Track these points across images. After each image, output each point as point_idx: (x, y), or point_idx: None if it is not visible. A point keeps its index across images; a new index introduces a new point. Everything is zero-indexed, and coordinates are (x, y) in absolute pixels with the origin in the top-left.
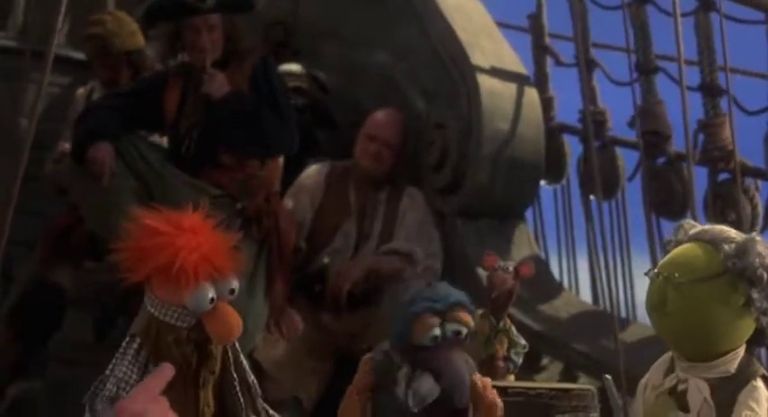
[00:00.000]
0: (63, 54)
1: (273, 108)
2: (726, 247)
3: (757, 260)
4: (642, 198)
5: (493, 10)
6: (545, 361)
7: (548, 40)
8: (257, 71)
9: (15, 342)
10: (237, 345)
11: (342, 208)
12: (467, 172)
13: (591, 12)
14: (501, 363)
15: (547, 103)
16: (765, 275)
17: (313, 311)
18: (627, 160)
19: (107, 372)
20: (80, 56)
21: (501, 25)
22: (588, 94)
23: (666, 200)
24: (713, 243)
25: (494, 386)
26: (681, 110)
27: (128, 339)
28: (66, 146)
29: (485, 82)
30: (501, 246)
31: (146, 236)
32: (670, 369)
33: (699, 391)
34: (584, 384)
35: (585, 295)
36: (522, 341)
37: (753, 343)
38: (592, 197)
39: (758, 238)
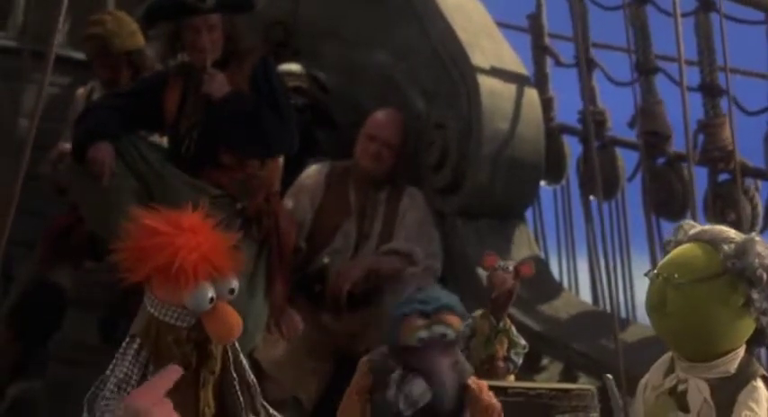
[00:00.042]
0: (63, 54)
1: (273, 108)
2: (725, 247)
3: (757, 260)
4: (642, 198)
5: (493, 10)
6: (545, 361)
7: (547, 41)
8: (257, 71)
9: (15, 342)
10: (237, 345)
11: (342, 208)
12: (467, 172)
13: (591, 12)
14: (501, 363)
15: (546, 104)
16: (765, 275)
17: (313, 311)
18: (627, 160)
19: (107, 372)
20: (80, 56)
21: (501, 25)
22: (588, 95)
23: (666, 201)
24: (713, 243)
25: (494, 387)
26: (681, 110)
27: (128, 339)
28: (66, 146)
29: (485, 82)
30: (501, 246)
31: (145, 236)
32: (670, 370)
33: (699, 391)
34: (584, 384)
35: (585, 295)
36: (522, 342)
37: (753, 343)
38: (592, 197)
39: (758, 238)
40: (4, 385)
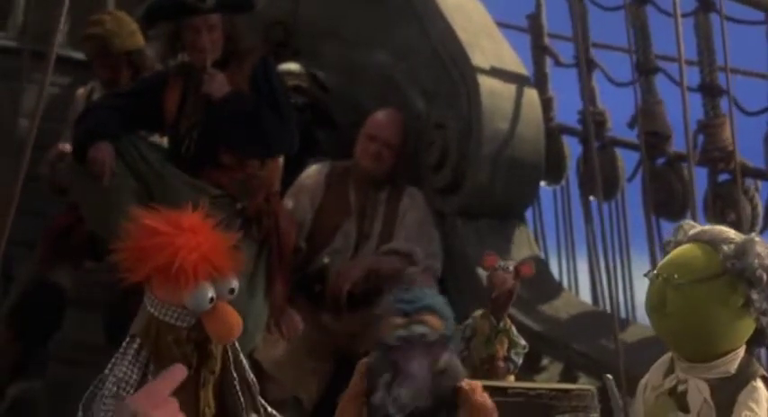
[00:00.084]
0: (63, 54)
1: (274, 108)
2: (725, 248)
3: (756, 260)
4: (642, 198)
5: (493, 10)
6: (545, 362)
7: (547, 41)
8: (257, 71)
9: (15, 342)
10: (237, 345)
11: (342, 208)
12: (467, 172)
13: (591, 12)
14: (501, 363)
15: (546, 104)
16: (765, 276)
17: (313, 311)
18: (627, 160)
19: (106, 372)
20: (80, 56)
21: (501, 25)
22: (588, 95)
23: (666, 201)
24: (712, 243)
25: (494, 387)
26: (681, 110)
27: (128, 339)
28: (64, 146)
29: (485, 82)
30: (501, 246)
31: (145, 236)
32: (670, 370)
33: (699, 391)
34: (584, 384)
35: (585, 295)
36: (523, 342)
37: (752, 344)
38: (592, 197)
39: (757, 239)
40: (4, 385)
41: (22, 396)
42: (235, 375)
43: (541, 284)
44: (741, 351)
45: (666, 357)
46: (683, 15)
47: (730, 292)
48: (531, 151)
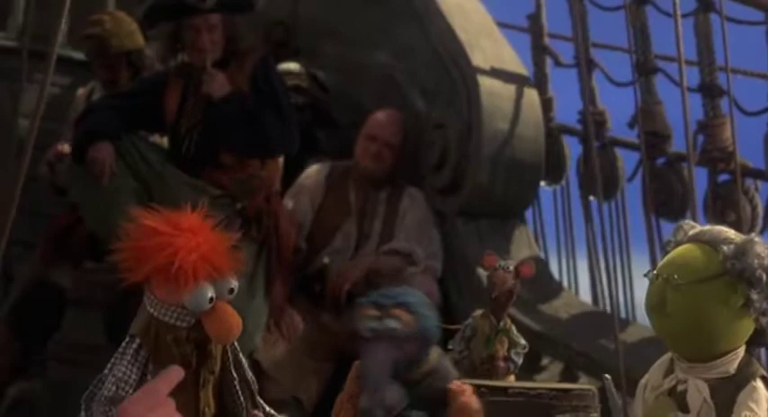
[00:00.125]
0: (64, 54)
1: (274, 108)
2: (725, 248)
3: (756, 261)
4: (642, 198)
5: (493, 10)
6: (545, 361)
7: (547, 41)
8: (257, 71)
9: (15, 342)
10: (237, 345)
11: (342, 208)
12: (467, 172)
13: (590, 12)
14: (501, 363)
15: (546, 104)
16: (764, 276)
17: (313, 311)
18: (626, 160)
19: (105, 371)
20: (80, 56)
21: (501, 25)
22: (588, 95)
23: (666, 201)
24: (712, 244)
25: (494, 387)
26: (681, 110)
27: (127, 339)
28: (63, 146)
29: (485, 82)
30: (501, 246)
31: (144, 237)
32: (669, 370)
33: (698, 391)
34: (584, 384)
35: (585, 295)
36: (523, 341)
37: (752, 344)
38: (591, 197)
39: (757, 239)
40: (4, 385)
41: (21, 396)
42: (234, 375)
43: (541, 284)
44: (741, 351)
45: (666, 357)
46: (683, 15)
47: (730, 292)
48: (531, 151)
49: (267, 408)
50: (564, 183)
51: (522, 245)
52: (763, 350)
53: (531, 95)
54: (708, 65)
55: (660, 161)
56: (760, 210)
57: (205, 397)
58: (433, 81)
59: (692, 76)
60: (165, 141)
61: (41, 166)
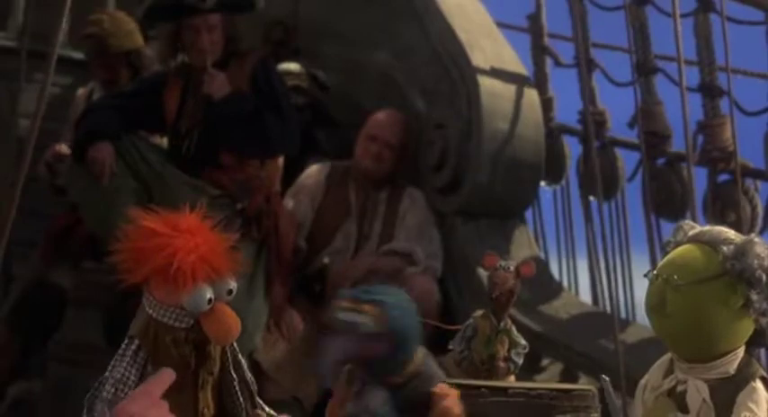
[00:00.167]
0: (64, 54)
1: (274, 108)
2: (725, 249)
3: (756, 261)
4: (642, 198)
5: (493, 10)
6: (545, 362)
7: (547, 41)
8: (257, 71)
9: (15, 342)
10: (236, 345)
11: (342, 208)
12: (467, 172)
13: (590, 12)
14: (502, 363)
15: (546, 104)
16: (764, 276)
17: (313, 311)
18: (626, 160)
19: (106, 374)
20: (80, 56)
21: (501, 25)
22: (588, 95)
23: (666, 201)
24: (712, 244)
25: (494, 387)
26: (680, 110)
27: (126, 340)
28: (61, 147)
29: (485, 82)
30: (501, 246)
31: (143, 238)
32: (669, 370)
33: (698, 392)
34: (584, 384)
35: (585, 295)
36: (523, 342)
37: (752, 344)
38: (591, 197)
39: (757, 240)
40: (4, 385)
41: (21, 396)
42: (234, 375)
43: (541, 284)
44: (740, 352)
45: (666, 357)
46: (683, 15)
47: (730, 293)
48: (531, 151)
49: (267, 408)
50: (564, 183)
51: (522, 245)
52: (762, 351)
53: (531, 95)
54: (708, 65)
55: (660, 161)
56: (760, 210)
57: (204, 398)
58: (433, 81)
59: (692, 76)
60: (164, 141)
61: (40, 167)
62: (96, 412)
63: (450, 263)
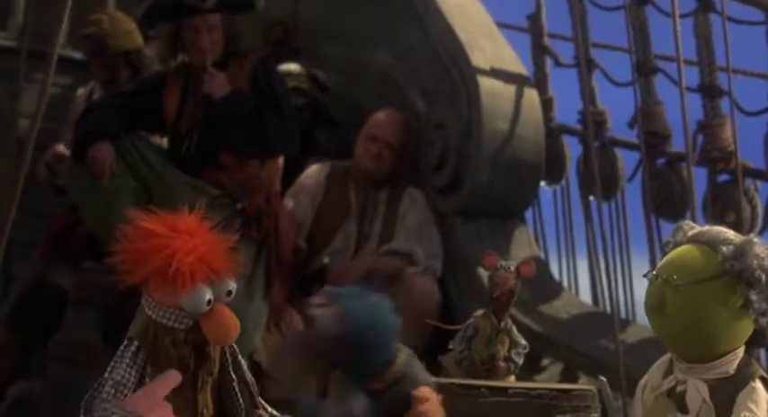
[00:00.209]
0: (64, 54)
1: (274, 108)
2: (724, 249)
3: (755, 261)
4: (642, 198)
5: (493, 10)
6: (545, 362)
7: (547, 41)
8: (258, 71)
9: (15, 342)
10: (236, 346)
11: (342, 208)
12: (467, 172)
13: (590, 12)
14: (502, 363)
15: (546, 104)
16: (763, 277)
17: None
18: (626, 160)
19: (105, 375)
20: (80, 56)
21: (501, 25)
22: (588, 95)
23: (666, 201)
24: (711, 244)
25: (494, 387)
26: (680, 110)
27: (125, 342)
28: (60, 147)
29: (485, 82)
30: (501, 246)
31: (142, 239)
32: (669, 371)
33: (698, 392)
34: (584, 384)
35: (585, 295)
36: (523, 342)
37: (751, 344)
38: (591, 197)
39: (756, 240)
40: (4, 385)
41: (21, 396)
42: (233, 376)
43: (541, 284)
44: (740, 352)
45: (665, 357)
46: (683, 16)
47: (729, 293)
48: (531, 151)
49: (269, 408)
50: (564, 183)
51: (522, 245)
52: (762, 351)
53: (531, 95)
54: (708, 65)
55: (660, 161)
56: (760, 210)
57: (204, 399)
58: (432, 81)
59: (692, 76)
60: (164, 141)
61: (40, 168)
62: (96, 413)
63: (451, 263)
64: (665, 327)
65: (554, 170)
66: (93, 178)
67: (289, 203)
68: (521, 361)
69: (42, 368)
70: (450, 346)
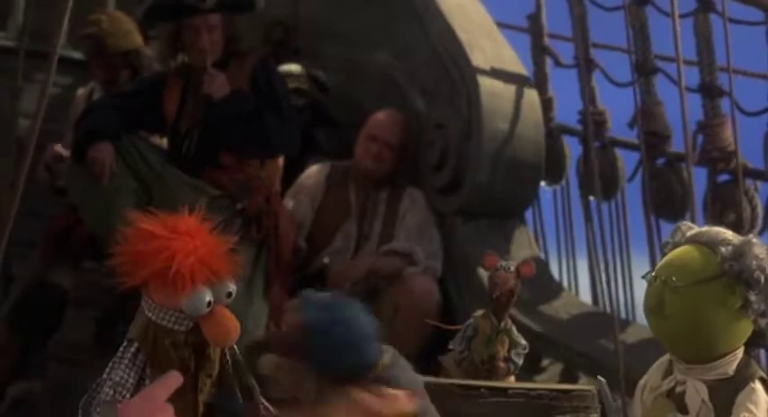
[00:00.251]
0: (64, 54)
1: (274, 108)
2: (723, 250)
3: (754, 262)
4: (642, 198)
5: (493, 10)
6: (545, 362)
7: (547, 41)
8: (258, 71)
9: (15, 342)
10: (236, 347)
11: (342, 208)
12: (467, 172)
13: (590, 12)
14: (502, 364)
15: (546, 104)
16: (762, 277)
17: None
18: (626, 161)
19: (104, 376)
20: (80, 56)
21: (501, 25)
22: (588, 95)
23: (666, 201)
24: (710, 245)
25: (494, 387)
26: (680, 110)
27: (125, 343)
28: (57, 148)
29: (485, 82)
30: (501, 246)
31: (141, 241)
32: (668, 371)
33: (697, 393)
34: (584, 384)
35: (585, 295)
36: (523, 342)
37: (751, 345)
38: (591, 198)
39: (755, 240)
40: (4, 385)
41: (21, 396)
42: (234, 377)
43: (541, 284)
44: (739, 353)
45: (665, 358)
46: (683, 16)
47: (728, 294)
48: (531, 151)
49: (271, 408)
50: (564, 183)
51: (522, 245)
52: (762, 352)
53: (531, 95)
54: (708, 65)
55: (660, 161)
56: (760, 211)
57: (203, 401)
58: (432, 81)
59: (692, 76)
60: (164, 142)
61: (40, 169)
62: (95, 415)
63: (451, 263)
64: (665, 328)
65: (554, 170)
66: (93, 178)
67: (289, 203)
68: (520, 362)
69: (42, 368)
70: (450, 346)
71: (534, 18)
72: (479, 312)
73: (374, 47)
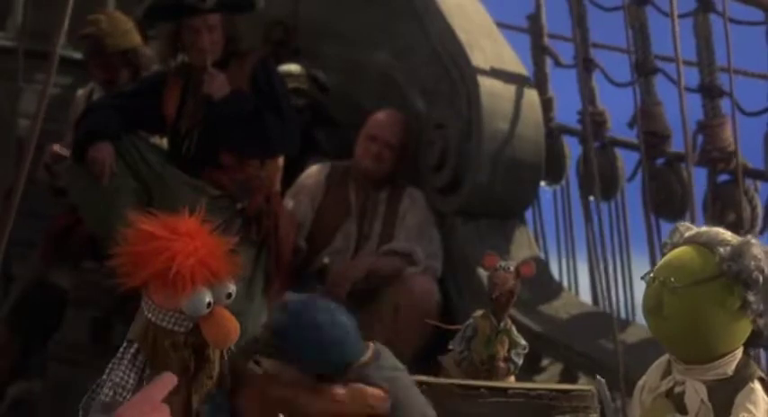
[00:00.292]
0: (63, 54)
1: (274, 108)
2: (721, 250)
3: (753, 262)
4: (642, 198)
5: (493, 10)
6: (545, 362)
7: (547, 41)
8: (258, 71)
9: (15, 342)
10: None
11: (342, 208)
12: (467, 172)
13: (590, 12)
14: (502, 364)
15: (546, 104)
16: (761, 277)
17: None
18: (626, 161)
19: (104, 376)
20: (80, 56)
21: (501, 25)
22: (587, 95)
23: (666, 201)
24: (709, 246)
25: (494, 387)
26: (680, 110)
27: (125, 344)
28: (56, 148)
29: (485, 82)
30: (501, 246)
31: (142, 241)
32: (667, 371)
33: (696, 393)
34: (584, 384)
35: (585, 295)
36: (523, 342)
37: (750, 345)
38: (591, 198)
39: (753, 241)
40: (4, 385)
41: (21, 396)
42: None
43: (541, 284)
44: (738, 353)
45: (664, 358)
46: (683, 16)
47: (727, 294)
48: (531, 151)
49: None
50: (564, 183)
51: (522, 245)
52: (761, 352)
53: (531, 95)
54: (707, 65)
55: (660, 161)
56: (760, 211)
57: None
58: (432, 81)
59: (692, 77)
60: (164, 142)
61: (40, 170)
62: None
63: (451, 263)
64: (663, 329)
65: (554, 170)
66: (94, 178)
67: (289, 203)
68: (520, 362)
69: (42, 368)
70: (450, 346)
71: (534, 18)
72: (479, 312)
73: (374, 47)
